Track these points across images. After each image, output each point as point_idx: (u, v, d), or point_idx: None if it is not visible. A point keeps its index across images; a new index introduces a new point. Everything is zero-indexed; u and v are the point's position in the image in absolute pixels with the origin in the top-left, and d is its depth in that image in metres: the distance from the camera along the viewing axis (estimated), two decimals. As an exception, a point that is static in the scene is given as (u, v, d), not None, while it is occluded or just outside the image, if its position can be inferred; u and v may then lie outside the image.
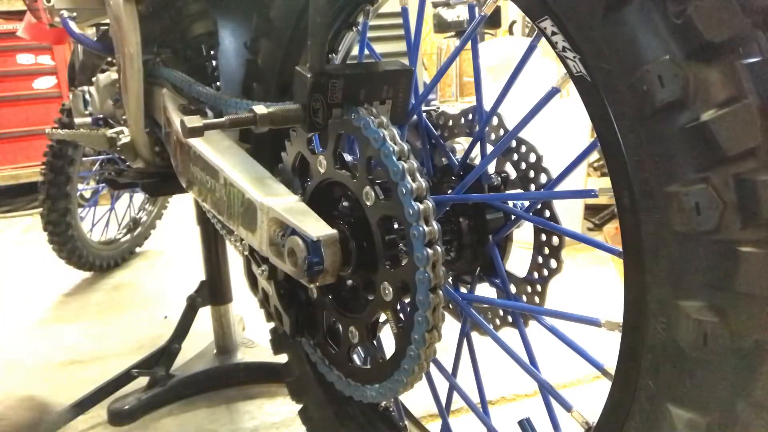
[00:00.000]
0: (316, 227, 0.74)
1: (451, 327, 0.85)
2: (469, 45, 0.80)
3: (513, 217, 0.84)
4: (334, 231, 0.74)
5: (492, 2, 0.72)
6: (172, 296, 2.29)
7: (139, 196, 2.86)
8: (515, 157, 0.86)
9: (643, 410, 0.55)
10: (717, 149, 0.46)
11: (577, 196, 0.92)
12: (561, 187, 0.79)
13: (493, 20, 4.81)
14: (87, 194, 2.85)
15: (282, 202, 0.80)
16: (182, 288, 1.81)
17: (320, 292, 0.86)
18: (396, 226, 0.75)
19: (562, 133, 2.34)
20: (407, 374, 0.74)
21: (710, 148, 0.46)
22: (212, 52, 1.26)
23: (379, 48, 1.00)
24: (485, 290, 0.89)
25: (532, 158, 0.84)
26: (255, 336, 1.76)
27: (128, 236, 2.79)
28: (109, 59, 1.68)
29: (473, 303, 0.89)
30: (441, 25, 4.80)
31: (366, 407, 1.02)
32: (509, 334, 0.85)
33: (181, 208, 2.73)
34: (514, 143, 0.85)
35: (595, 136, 0.56)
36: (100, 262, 2.60)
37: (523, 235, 0.90)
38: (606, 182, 0.56)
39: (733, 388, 0.48)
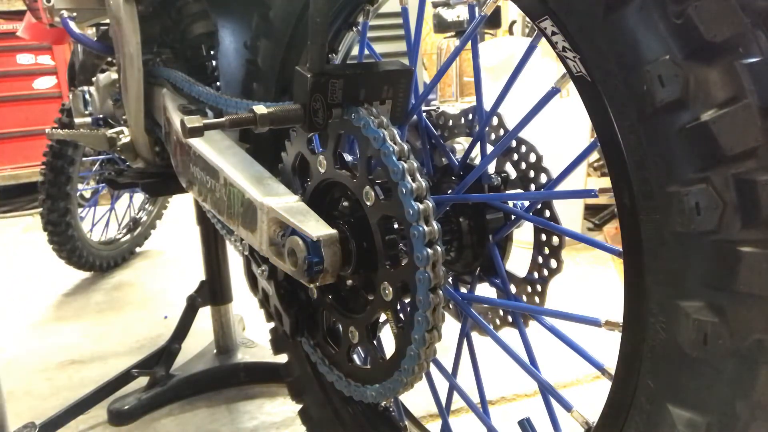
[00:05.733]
0: (316, 227, 0.74)
1: (451, 327, 0.85)
2: (469, 45, 0.80)
3: (513, 217, 0.84)
4: (334, 231, 0.74)
5: (492, 2, 0.72)
6: (172, 296, 2.29)
7: (139, 196, 2.85)
8: (515, 157, 0.85)
9: (643, 410, 0.55)
10: (717, 149, 0.46)
11: (577, 196, 0.93)
12: (561, 187, 0.79)
13: (493, 20, 4.81)
14: (87, 194, 2.85)
15: (282, 202, 0.80)
16: (182, 288, 1.81)
17: (320, 292, 0.86)
18: (396, 226, 0.75)
19: (562, 133, 2.34)
20: (407, 374, 0.74)
21: (710, 148, 0.46)
22: (212, 52, 1.26)
23: (379, 48, 1.00)
24: (485, 290, 0.89)
25: (532, 158, 0.84)
26: (255, 336, 1.76)
27: (128, 236, 2.79)
28: (109, 59, 1.67)
29: (473, 303, 0.89)
30: (441, 25, 4.80)
31: (366, 407, 1.02)
32: (509, 334, 0.85)
33: (181, 208, 2.73)
34: (514, 143, 0.85)
35: (595, 136, 0.56)
36: (100, 262, 2.60)
37: (523, 235, 0.90)
38: (606, 182, 0.56)
39: (733, 388, 0.48)
